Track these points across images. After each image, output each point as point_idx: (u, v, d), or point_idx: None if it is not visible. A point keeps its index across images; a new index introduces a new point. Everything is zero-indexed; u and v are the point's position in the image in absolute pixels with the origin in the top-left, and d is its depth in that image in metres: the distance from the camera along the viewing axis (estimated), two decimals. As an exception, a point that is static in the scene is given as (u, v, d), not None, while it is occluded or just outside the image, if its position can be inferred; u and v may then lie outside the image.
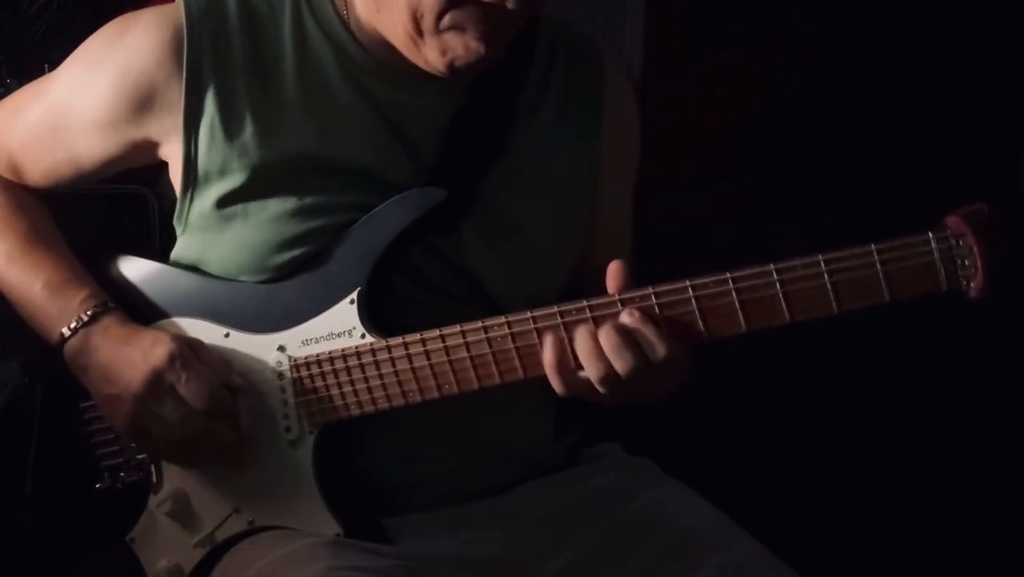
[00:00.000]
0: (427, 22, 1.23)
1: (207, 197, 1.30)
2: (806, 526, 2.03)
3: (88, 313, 1.30)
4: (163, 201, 1.45)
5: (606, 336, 1.16)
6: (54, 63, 1.42)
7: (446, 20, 1.22)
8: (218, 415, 1.26)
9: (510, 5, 1.18)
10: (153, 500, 1.34)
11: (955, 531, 2.24)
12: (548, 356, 1.19)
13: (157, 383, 1.25)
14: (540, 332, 1.19)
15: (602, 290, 1.20)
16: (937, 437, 2.32)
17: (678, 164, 2.17)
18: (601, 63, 1.41)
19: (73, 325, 1.30)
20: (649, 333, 1.16)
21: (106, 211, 1.59)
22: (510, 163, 1.33)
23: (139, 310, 1.34)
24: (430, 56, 1.25)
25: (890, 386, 2.35)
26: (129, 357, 1.27)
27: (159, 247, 1.44)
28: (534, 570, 1.27)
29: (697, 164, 2.28)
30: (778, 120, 2.38)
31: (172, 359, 1.25)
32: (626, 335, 1.16)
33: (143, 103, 1.31)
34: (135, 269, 1.37)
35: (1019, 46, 2.29)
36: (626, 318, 1.17)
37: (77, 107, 1.34)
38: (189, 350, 1.26)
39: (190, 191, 1.31)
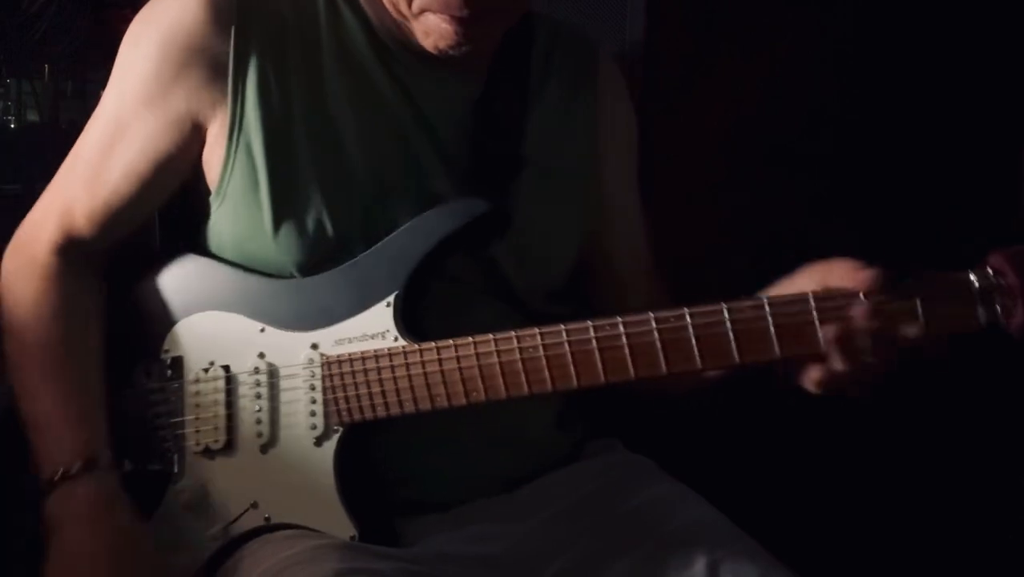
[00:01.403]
0: (403, 5, 1.26)
1: (252, 162, 1.29)
2: (805, 525, 2.03)
3: (77, 466, 1.27)
4: (195, 191, 1.40)
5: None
6: (54, 63, 1.42)
7: (416, 3, 1.25)
8: None
9: None
10: (172, 490, 1.34)
11: (955, 530, 2.23)
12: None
13: None
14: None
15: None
16: (937, 436, 2.32)
17: (678, 164, 2.17)
18: (595, 54, 1.45)
19: (61, 472, 1.27)
20: None
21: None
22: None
23: (178, 302, 1.35)
24: (420, 38, 1.28)
25: (890, 385, 2.34)
26: (94, 547, 1.24)
27: (158, 241, 1.43)
28: (535, 569, 1.27)
29: (697, 164, 2.29)
30: (778, 120, 2.38)
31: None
32: None
33: (188, 63, 1.29)
34: (176, 261, 1.37)
35: (1019, 46, 2.30)
36: None
37: (127, 92, 1.32)
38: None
39: (232, 157, 1.30)
